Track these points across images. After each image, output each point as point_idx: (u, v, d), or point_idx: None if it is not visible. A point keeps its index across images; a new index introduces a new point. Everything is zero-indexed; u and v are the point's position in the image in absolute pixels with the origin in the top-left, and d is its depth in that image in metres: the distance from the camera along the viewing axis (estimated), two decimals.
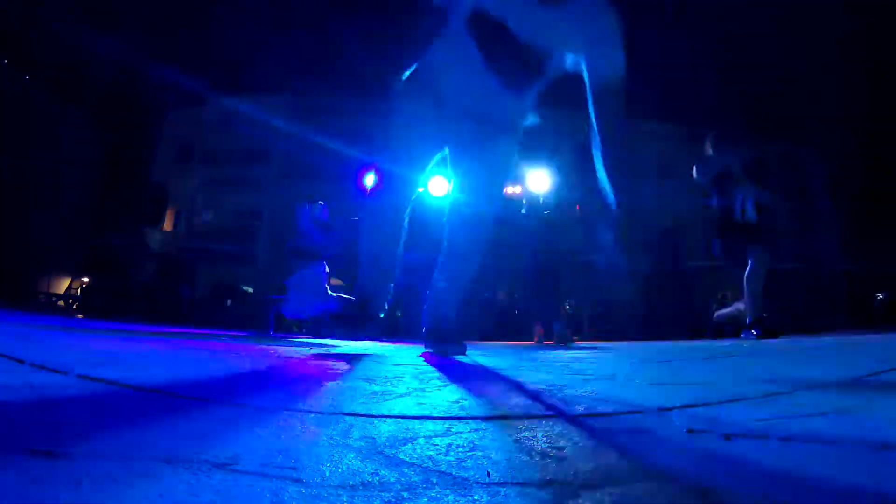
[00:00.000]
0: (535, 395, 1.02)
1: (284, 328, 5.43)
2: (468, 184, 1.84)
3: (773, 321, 4.56)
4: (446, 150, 1.88)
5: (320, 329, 4.03)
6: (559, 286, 5.06)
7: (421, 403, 0.92)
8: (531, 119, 1.81)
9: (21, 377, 0.88)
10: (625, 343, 5.01)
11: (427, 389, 1.09)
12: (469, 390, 1.12)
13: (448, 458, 0.58)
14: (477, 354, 2.24)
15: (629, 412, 0.84)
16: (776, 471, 0.54)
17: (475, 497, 0.46)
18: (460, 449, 0.62)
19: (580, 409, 0.87)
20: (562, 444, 0.65)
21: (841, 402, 0.94)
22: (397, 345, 2.99)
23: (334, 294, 4.12)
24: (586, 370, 1.59)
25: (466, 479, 0.50)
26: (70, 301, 13.11)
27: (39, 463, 0.47)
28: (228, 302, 11.99)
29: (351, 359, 1.77)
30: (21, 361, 1.05)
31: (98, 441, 0.56)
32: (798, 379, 1.24)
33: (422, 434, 0.69)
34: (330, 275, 4.25)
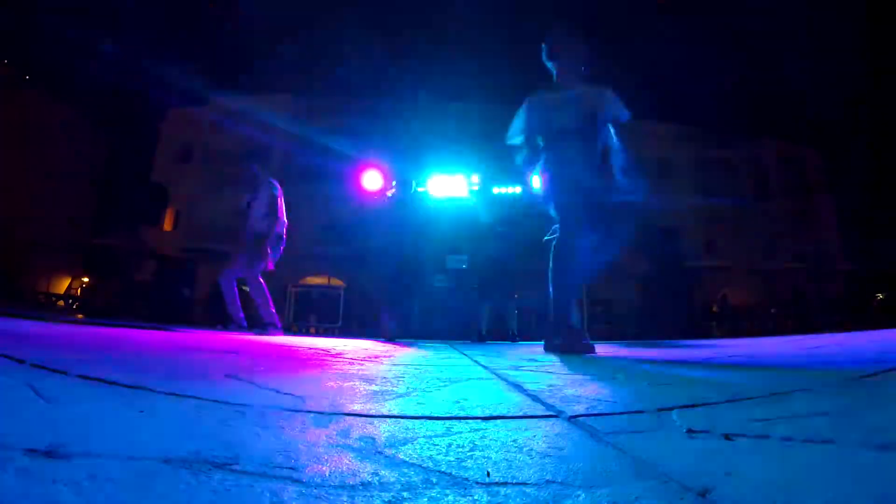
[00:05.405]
0: (535, 396, 1.02)
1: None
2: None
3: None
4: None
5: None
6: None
7: (421, 403, 0.92)
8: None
9: (21, 377, 0.88)
10: None
11: (427, 389, 1.09)
12: (469, 390, 1.12)
13: (448, 458, 0.58)
14: (478, 354, 2.24)
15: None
16: (776, 470, 0.54)
17: (475, 497, 0.46)
18: (460, 449, 0.62)
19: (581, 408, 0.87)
20: (562, 444, 0.65)
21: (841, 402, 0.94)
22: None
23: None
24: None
25: (466, 479, 0.50)
26: (70, 301, 13.11)
27: (39, 463, 0.47)
28: None
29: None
30: (21, 361, 1.05)
31: (98, 441, 0.56)
32: None
33: (422, 434, 0.69)
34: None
